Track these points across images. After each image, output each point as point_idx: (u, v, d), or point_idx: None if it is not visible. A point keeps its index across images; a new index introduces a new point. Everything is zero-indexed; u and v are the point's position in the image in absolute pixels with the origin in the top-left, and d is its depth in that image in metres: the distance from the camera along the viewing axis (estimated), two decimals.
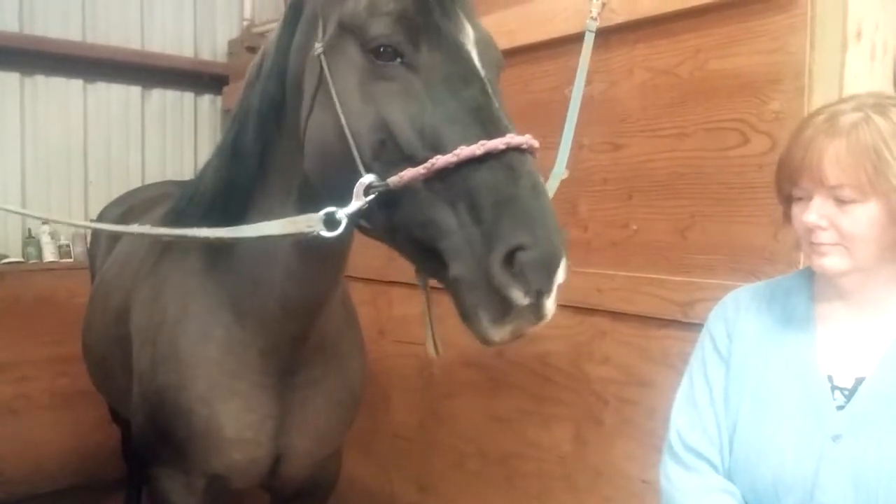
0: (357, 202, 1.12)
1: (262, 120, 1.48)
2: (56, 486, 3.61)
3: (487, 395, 2.48)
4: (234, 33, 4.40)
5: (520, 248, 1.01)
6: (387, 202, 1.12)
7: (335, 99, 1.19)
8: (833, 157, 1.10)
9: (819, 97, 1.63)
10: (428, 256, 1.13)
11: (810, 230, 1.15)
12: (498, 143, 1.07)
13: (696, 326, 1.79)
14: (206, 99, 4.38)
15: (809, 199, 1.15)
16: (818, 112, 1.19)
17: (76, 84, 3.93)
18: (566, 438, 2.21)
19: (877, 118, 1.10)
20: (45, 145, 3.86)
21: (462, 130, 1.09)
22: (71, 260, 3.79)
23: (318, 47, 1.25)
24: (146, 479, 1.90)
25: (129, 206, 2.76)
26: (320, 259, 1.51)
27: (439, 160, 1.07)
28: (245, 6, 4.40)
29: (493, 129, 1.10)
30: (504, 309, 1.04)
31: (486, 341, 1.08)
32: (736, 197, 1.80)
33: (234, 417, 1.65)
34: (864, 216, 1.11)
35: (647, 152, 1.99)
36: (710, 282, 1.81)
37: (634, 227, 1.99)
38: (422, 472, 2.79)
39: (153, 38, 4.16)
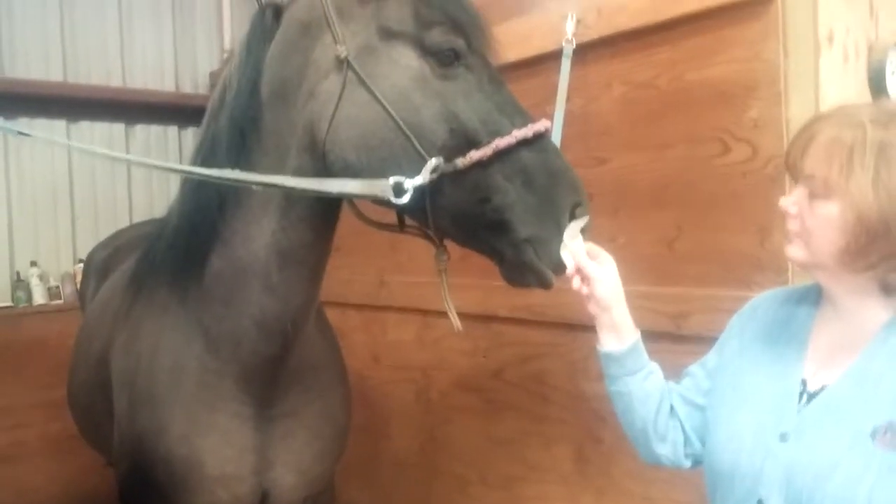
0: (422, 177, 1.25)
1: (239, 134, 1.48)
2: None
3: (486, 418, 2.45)
4: (215, 65, 4.40)
5: (577, 205, 1.28)
6: (448, 183, 1.28)
7: (379, 97, 1.29)
8: (813, 148, 1.12)
9: (795, 102, 1.63)
10: (478, 229, 1.31)
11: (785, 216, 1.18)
12: (539, 127, 1.29)
13: (690, 338, 1.78)
14: (190, 132, 4.35)
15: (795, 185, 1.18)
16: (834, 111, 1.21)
17: (59, 125, 3.91)
18: (567, 458, 2.19)
19: (872, 126, 1.09)
20: (30, 187, 3.83)
21: (510, 118, 1.30)
22: (61, 301, 3.76)
23: (342, 50, 1.32)
24: None
25: (115, 248, 2.72)
26: (301, 266, 1.52)
27: (500, 142, 1.26)
28: (225, 37, 4.41)
29: (527, 117, 1.33)
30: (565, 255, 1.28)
31: (548, 285, 1.30)
32: (721, 206, 1.80)
33: (212, 453, 1.61)
34: (824, 214, 1.11)
35: (631, 165, 1.99)
36: (701, 292, 1.81)
37: (622, 241, 1.99)
38: (424, 500, 2.75)
39: (134, 74, 4.16)
